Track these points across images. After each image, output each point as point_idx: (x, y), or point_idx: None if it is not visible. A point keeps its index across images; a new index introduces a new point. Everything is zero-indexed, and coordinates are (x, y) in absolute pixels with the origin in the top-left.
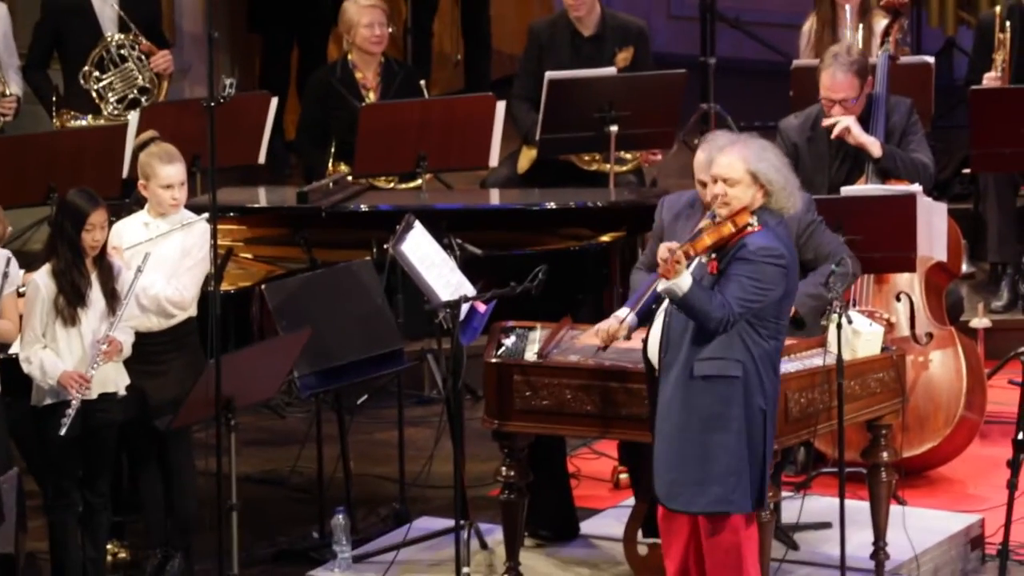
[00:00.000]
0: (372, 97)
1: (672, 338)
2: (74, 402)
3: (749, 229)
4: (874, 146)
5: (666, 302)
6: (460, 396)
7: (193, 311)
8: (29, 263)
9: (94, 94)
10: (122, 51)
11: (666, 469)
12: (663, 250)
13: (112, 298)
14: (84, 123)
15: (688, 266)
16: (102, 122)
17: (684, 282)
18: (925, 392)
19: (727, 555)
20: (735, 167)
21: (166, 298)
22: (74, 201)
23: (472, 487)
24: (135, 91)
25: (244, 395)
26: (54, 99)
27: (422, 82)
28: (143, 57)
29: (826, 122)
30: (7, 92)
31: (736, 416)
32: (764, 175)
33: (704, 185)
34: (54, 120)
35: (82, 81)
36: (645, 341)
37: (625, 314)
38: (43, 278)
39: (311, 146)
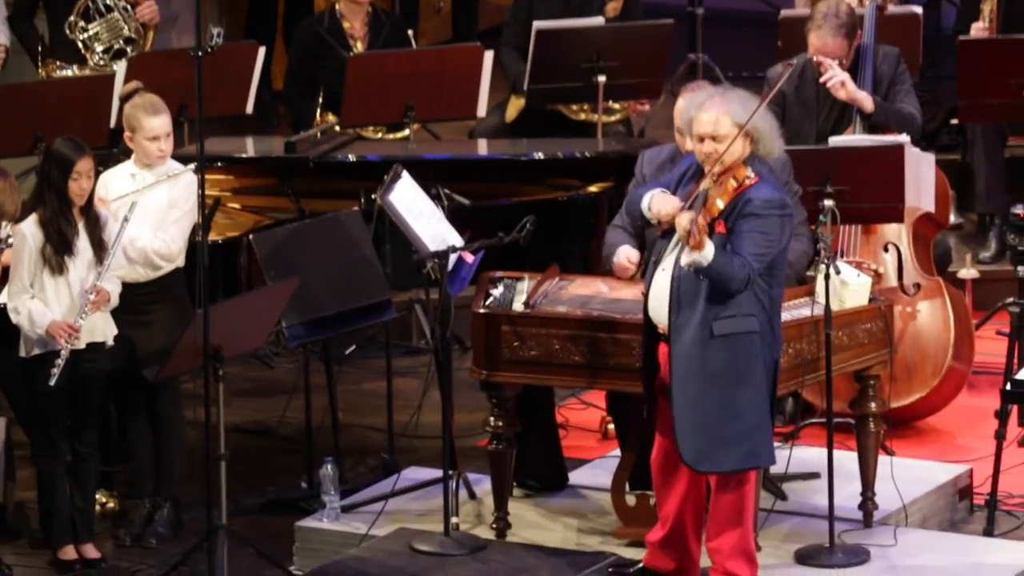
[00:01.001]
0: (360, 47)
1: (683, 300)
2: (63, 352)
3: (748, 182)
4: (866, 100)
5: (667, 261)
6: (448, 346)
7: (181, 262)
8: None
9: (80, 44)
10: (108, 1)
11: (691, 433)
12: (684, 223)
13: (99, 248)
14: (69, 73)
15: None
16: (88, 72)
17: (709, 252)
18: (913, 343)
19: (733, 505)
20: (722, 123)
21: (153, 250)
22: (60, 150)
23: (460, 437)
24: (121, 41)
25: (232, 345)
26: (39, 49)
27: (410, 32)
28: (129, 7)
29: (823, 74)
30: None
31: (756, 370)
32: (752, 125)
33: (682, 134)
34: (40, 70)
35: (68, 31)
36: (646, 297)
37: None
38: (30, 227)
39: (299, 96)
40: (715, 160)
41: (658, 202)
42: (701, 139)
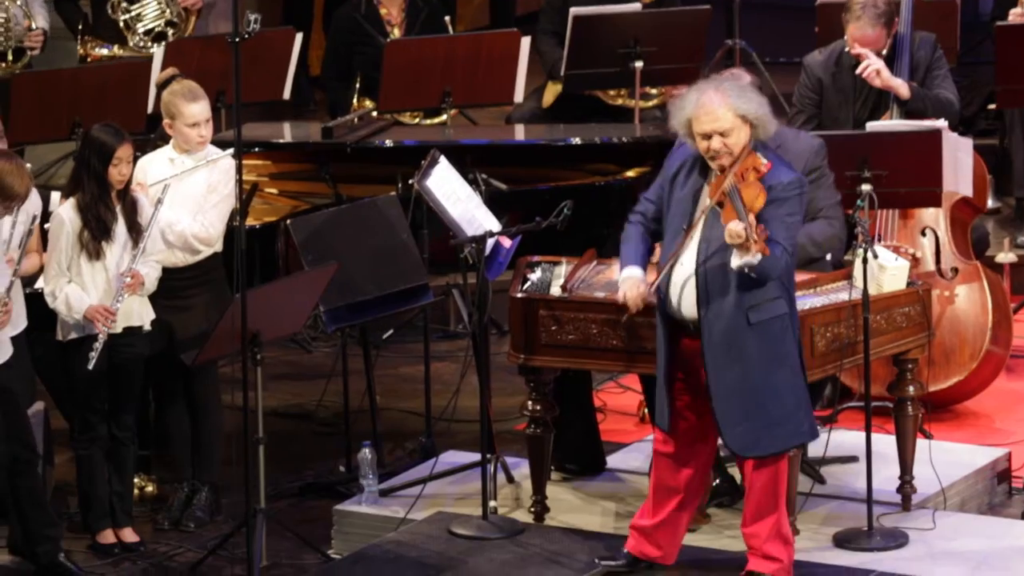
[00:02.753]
0: (397, 33)
1: (712, 293)
2: (101, 336)
3: (764, 169)
4: (902, 87)
5: (684, 256)
6: (486, 331)
7: (219, 246)
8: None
9: (121, 24)
10: None
11: (735, 422)
12: (740, 231)
13: (135, 232)
14: (107, 52)
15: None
16: (126, 53)
17: (755, 255)
18: (951, 326)
19: (770, 489)
20: (724, 116)
21: (192, 234)
22: (100, 136)
23: (498, 421)
24: (163, 24)
25: (270, 329)
26: (80, 27)
27: (447, 18)
28: None
29: (860, 64)
30: (33, 26)
31: (791, 351)
32: (752, 113)
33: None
34: (78, 47)
35: (110, 11)
36: (659, 295)
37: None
38: (68, 212)
39: (336, 82)
40: (725, 154)
41: (622, 289)
42: (707, 136)
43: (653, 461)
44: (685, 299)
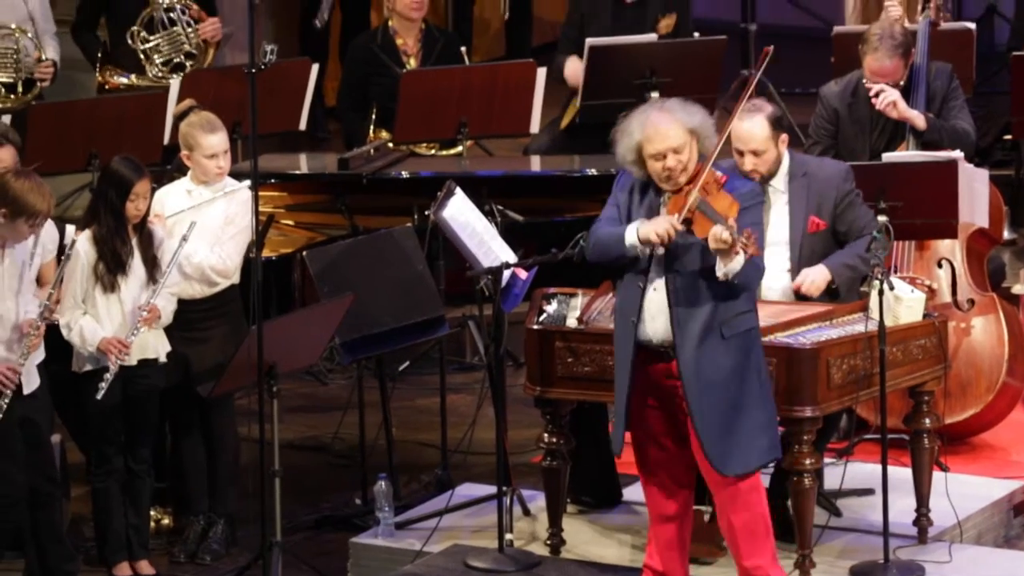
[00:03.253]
0: (413, 63)
1: (686, 311)
2: (112, 367)
3: (723, 180)
4: (918, 119)
5: (656, 282)
6: (502, 363)
7: (236, 278)
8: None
9: (140, 54)
10: (171, 14)
11: (717, 439)
12: (721, 237)
13: (152, 266)
14: (126, 81)
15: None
16: (144, 83)
17: (739, 259)
18: (967, 358)
19: (759, 514)
20: (676, 134)
21: (210, 266)
22: (119, 170)
23: (514, 454)
24: (181, 56)
25: (286, 361)
26: (100, 55)
27: (463, 48)
28: (192, 22)
29: (874, 97)
30: (44, 57)
31: (761, 365)
32: (698, 125)
33: (741, 154)
34: (96, 75)
35: (129, 40)
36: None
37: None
38: (83, 244)
39: (352, 112)
40: (679, 171)
41: (649, 227)
42: (662, 156)
43: (646, 500)
44: (660, 322)
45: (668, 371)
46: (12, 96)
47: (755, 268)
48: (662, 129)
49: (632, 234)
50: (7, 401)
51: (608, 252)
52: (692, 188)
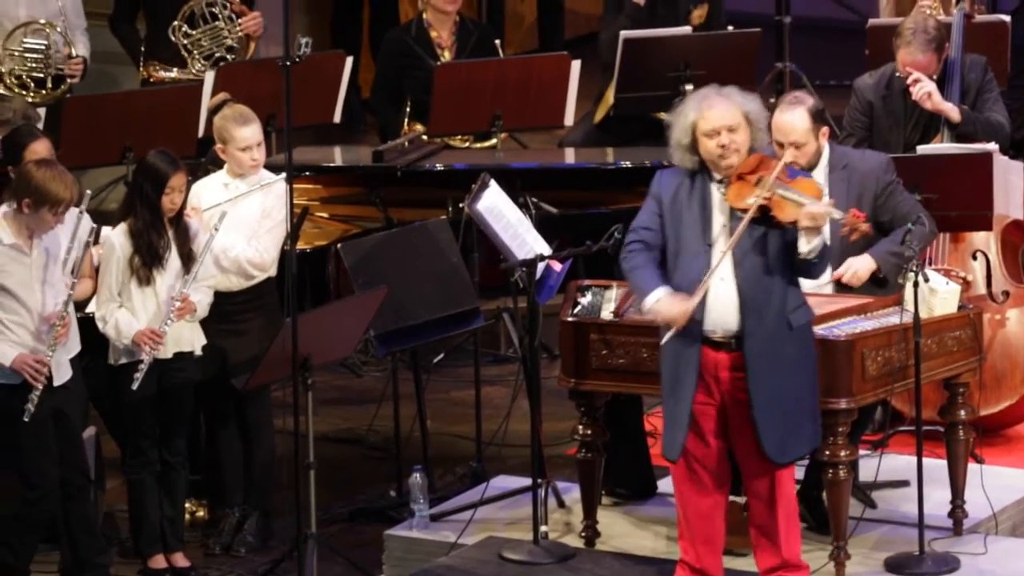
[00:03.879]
0: (447, 56)
1: (754, 301)
2: (146, 358)
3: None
4: (952, 112)
5: (722, 270)
6: (536, 355)
7: (273, 271)
8: (106, 223)
9: (182, 49)
10: (212, 8)
11: (773, 429)
12: (821, 212)
13: (187, 258)
14: (170, 75)
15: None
16: (186, 76)
17: (821, 238)
18: (1002, 350)
19: (792, 502)
20: (732, 112)
21: (247, 259)
22: (155, 163)
23: (549, 446)
24: (223, 50)
25: (321, 354)
26: (142, 49)
27: (497, 41)
28: (234, 16)
29: (912, 84)
30: (74, 53)
31: (812, 355)
32: (753, 112)
33: (782, 146)
34: (140, 70)
35: (171, 35)
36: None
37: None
38: (119, 237)
39: (386, 105)
40: (731, 151)
41: (664, 309)
42: (715, 133)
43: (678, 498)
44: (728, 313)
45: (728, 362)
46: (42, 91)
47: (828, 248)
48: (718, 107)
49: (650, 302)
50: (39, 393)
51: (633, 290)
52: (765, 175)
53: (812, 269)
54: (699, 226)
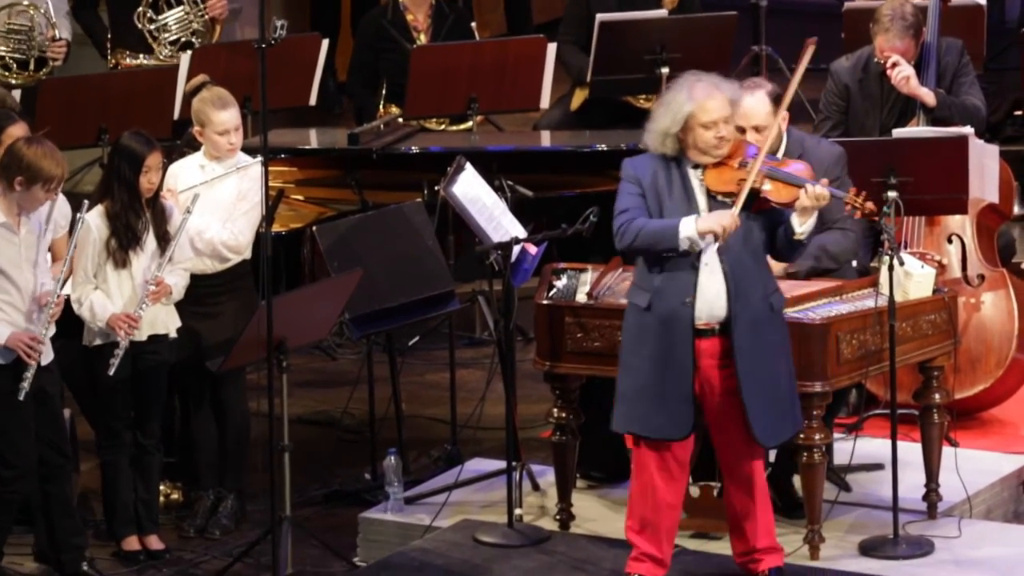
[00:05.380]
0: (423, 39)
1: (741, 286)
2: (122, 343)
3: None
4: (928, 96)
5: (707, 256)
6: (511, 338)
7: (248, 253)
8: (80, 205)
9: (147, 35)
10: None
11: (762, 414)
12: (824, 192)
13: (163, 240)
14: (137, 62)
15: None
16: (153, 63)
17: (814, 218)
18: (977, 334)
19: (763, 473)
20: (724, 105)
21: (221, 242)
22: (130, 144)
23: (523, 429)
24: (189, 34)
25: (296, 336)
26: (109, 37)
27: (472, 24)
28: (199, 1)
29: (890, 68)
30: (57, 35)
31: (788, 338)
32: (736, 98)
33: (743, 130)
34: (109, 58)
35: (136, 21)
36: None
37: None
38: (95, 219)
39: (362, 87)
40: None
41: (712, 221)
42: (713, 125)
43: (644, 487)
44: (715, 299)
45: (710, 350)
46: (24, 73)
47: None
48: (717, 98)
49: (689, 227)
50: (33, 371)
51: (656, 245)
52: (741, 158)
53: (797, 251)
54: (684, 211)
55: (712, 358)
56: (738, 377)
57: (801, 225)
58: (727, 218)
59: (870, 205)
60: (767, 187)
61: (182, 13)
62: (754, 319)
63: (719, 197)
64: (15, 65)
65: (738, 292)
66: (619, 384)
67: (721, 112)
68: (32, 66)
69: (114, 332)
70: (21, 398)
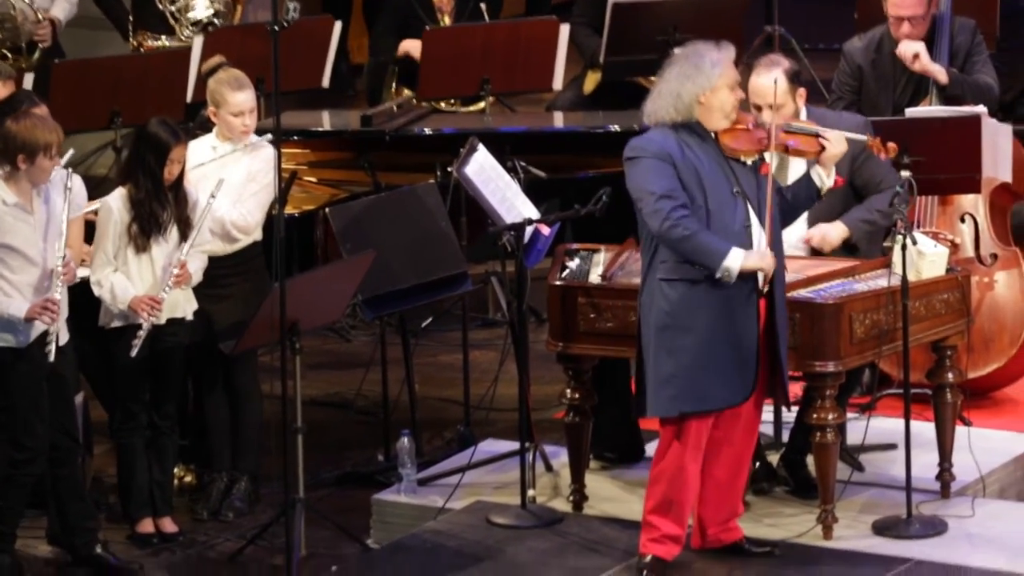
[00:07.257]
0: (447, 21)
1: (777, 246)
2: (145, 325)
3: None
4: (940, 74)
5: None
6: (524, 319)
7: (259, 235)
8: (94, 187)
9: (168, 16)
10: None
11: (785, 372)
12: (839, 137)
13: (184, 225)
14: (159, 44)
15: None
16: (175, 44)
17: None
18: (990, 313)
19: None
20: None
21: (231, 222)
22: (157, 133)
23: (537, 410)
24: (211, 14)
25: (309, 318)
26: (130, 19)
27: (482, 5)
28: None
29: (900, 48)
30: (40, 17)
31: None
32: None
33: (759, 109)
34: (131, 40)
35: (157, 2)
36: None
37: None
38: (116, 202)
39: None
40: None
41: (756, 261)
42: (735, 87)
43: (675, 467)
44: (767, 255)
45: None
46: (21, 57)
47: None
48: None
49: (736, 261)
50: (53, 340)
51: (694, 258)
52: (751, 119)
53: (811, 205)
54: (721, 177)
55: (760, 318)
56: (778, 335)
57: (827, 177)
58: (768, 259)
59: (892, 144)
60: (792, 143)
61: None
62: (780, 278)
63: (741, 158)
64: (10, 55)
65: (777, 250)
66: (659, 368)
67: (737, 76)
68: (26, 51)
69: (135, 314)
70: (51, 359)
